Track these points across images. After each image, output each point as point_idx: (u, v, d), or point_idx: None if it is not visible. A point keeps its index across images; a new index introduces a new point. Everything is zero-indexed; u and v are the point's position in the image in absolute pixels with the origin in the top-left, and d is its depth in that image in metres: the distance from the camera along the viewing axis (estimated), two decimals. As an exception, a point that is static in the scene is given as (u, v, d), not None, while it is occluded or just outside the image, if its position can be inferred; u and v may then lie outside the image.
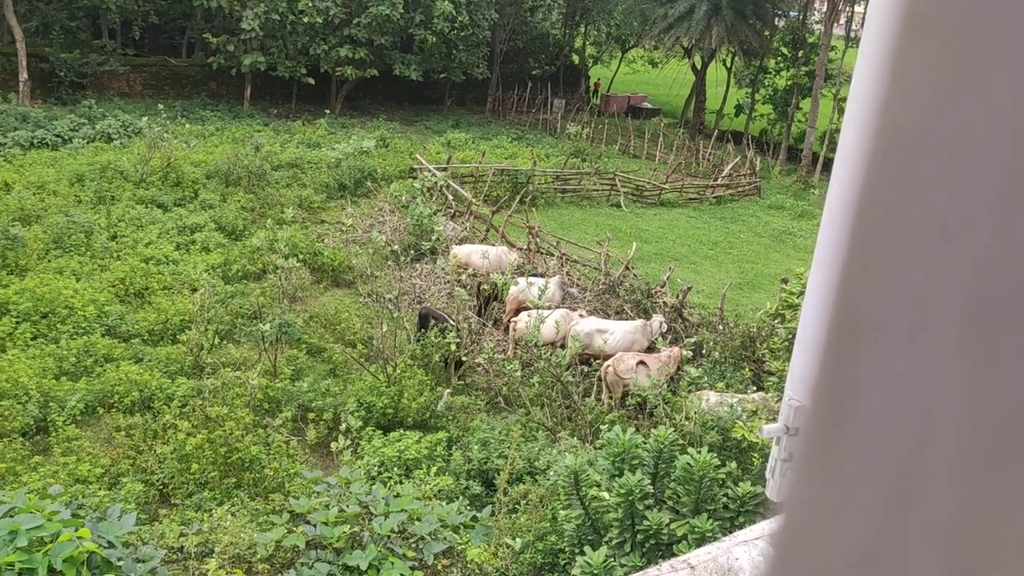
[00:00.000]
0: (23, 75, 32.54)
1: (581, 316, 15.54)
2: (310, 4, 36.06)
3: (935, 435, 0.33)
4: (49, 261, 17.46)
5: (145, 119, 26.66)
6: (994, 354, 0.30)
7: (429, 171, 26.28)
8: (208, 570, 7.32)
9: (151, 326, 15.19)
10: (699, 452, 7.00)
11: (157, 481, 10.68)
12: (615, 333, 14.67)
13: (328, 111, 37.38)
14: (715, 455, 7.16)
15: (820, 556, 0.37)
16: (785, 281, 14.48)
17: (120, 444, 11.27)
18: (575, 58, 53.38)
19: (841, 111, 38.56)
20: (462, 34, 39.19)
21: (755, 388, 12.31)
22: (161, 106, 28.84)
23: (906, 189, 0.33)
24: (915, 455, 0.33)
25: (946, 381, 0.32)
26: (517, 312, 15.94)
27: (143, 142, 25.51)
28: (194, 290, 16.42)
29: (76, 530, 5.93)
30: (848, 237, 0.35)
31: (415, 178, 26.68)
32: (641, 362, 13.35)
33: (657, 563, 5.79)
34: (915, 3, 0.34)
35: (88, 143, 27.96)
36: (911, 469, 0.33)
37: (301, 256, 18.36)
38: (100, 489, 10.08)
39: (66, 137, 28.33)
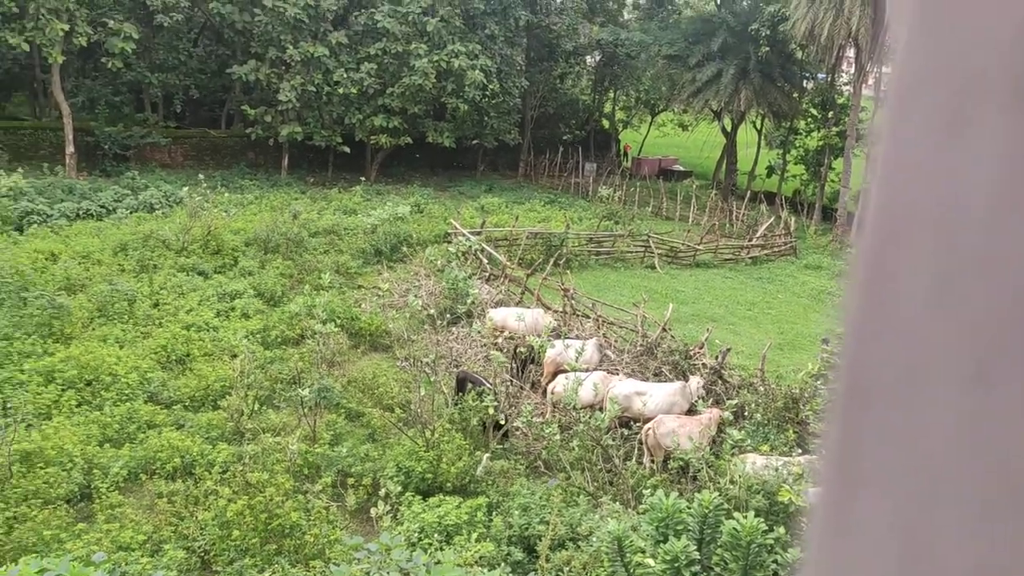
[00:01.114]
0: (69, 148, 33.66)
1: (619, 379, 15.45)
2: (345, 75, 37.07)
3: (941, 495, 0.33)
4: (93, 329, 17.76)
5: (186, 189, 27.31)
6: (993, 414, 0.31)
7: (463, 235, 26.55)
8: (251, 639, 7.25)
9: (192, 392, 15.33)
10: (745, 517, 6.86)
11: (199, 548, 10.65)
12: (654, 396, 14.54)
13: (364, 178, 38.08)
14: (762, 520, 7.00)
15: None
16: (826, 341, 14.33)
17: (162, 511, 11.29)
18: (605, 123, 54.10)
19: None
20: (493, 102, 39.95)
21: (800, 451, 12.09)
22: (201, 176, 29.54)
23: (901, 256, 0.34)
24: (922, 515, 0.33)
25: (948, 442, 0.32)
26: (555, 375, 15.88)
27: (184, 211, 26.10)
28: (234, 356, 16.58)
29: (123, 598, 5.92)
30: (851, 303, 0.36)
31: (450, 242, 26.95)
32: (681, 425, 13.19)
33: (709, 632, 5.63)
34: (904, 76, 0.35)
35: (131, 213, 28.69)
36: (919, 530, 0.33)
37: (339, 321, 18.51)
38: (143, 556, 10.07)
39: (110, 208, 29.09)
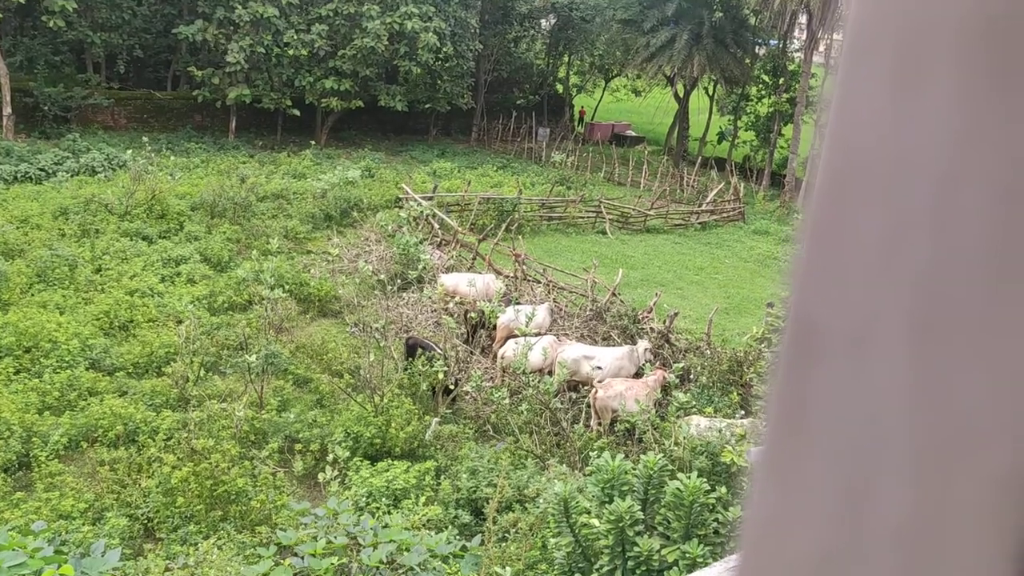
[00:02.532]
0: (7, 109, 32.53)
1: (569, 343, 15.54)
2: (295, 37, 36.30)
3: (884, 442, 0.34)
4: (32, 295, 17.33)
5: (130, 152, 26.67)
6: (937, 362, 0.31)
7: (415, 200, 26.35)
8: (194, 605, 7.22)
9: (136, 359, 15.08)
10: (689, 477, 6.97)
11: (142, 515, 10.54)
12: (602, 359, 14.66)
13: (313, 142, 37.48)
14: (705, 480, 7.12)
15: (779, 562, 0.38)
16: (771, 305, 14.56)
17: (104, 478, 11.14)
18: (559, 87, 53.86)
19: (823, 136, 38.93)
20: (447, 65, 39.47)
21: (743, 412, 12.31)
22: (146, 139, 28.83)
23: (851, 204, 0.35)
24: (866, 462, 0.34)
25: (893, 389, 0.33)
26: (507, 340, 15.92)
27: (128, 175, 25.46)
28: (179, 322, 16.33)
29: (59, 567, 5.82)
30: (801, 249, 0.36)
31: (401, 207, 26.73)
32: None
33: (648, 590, 5.74)
34: (855, 26, 0.35)
35: (72, 176, 27.90)
36: (862, 475, 0.34)
37: (287, 287, 18.31)
38: (84, 524, 9.94)
39: (50, 171, 28.27)
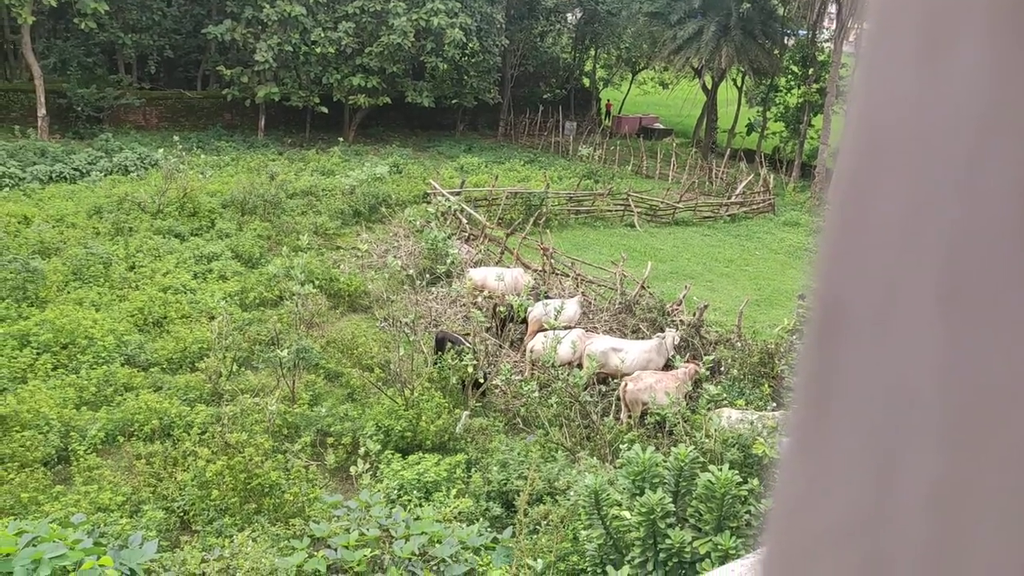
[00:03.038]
0: (41, 111, 33.06)
1: (597, 336, 15.51)
2: (323, 35, 36.50)
3: (912, 413, 0.34)
4: (68, 292, 17.61)
5: (161, 151, 26.95)
6: (966, 330, 0.32)
7: (443, 195, 26.40)
8: (230, 596, 7.31)
9: (170, 355, 15.28)
10: (720, 469, 6.95)
11: (178, 508, 10.69)
12: (630, 352, 14.62)
13: (342, 139, 37.70)
14: (736, 472, 7.10)
15: (809, 532, 0.38)
16: (803, 297, 14.41)
17: (141, 472, 11.30)
18: (586, 81, 53.69)
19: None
20: (473, 60, 39.50)
21: (775, 404, 12.22)
22: (176, 138, 29.13)
23: (878, 177, 0.35)
24: (895, 433, 0.35)
25: (921, 358, 0.33)
26: (536, 334, 15.93)
27: (159, 174, 25.79)
28: (212, 318, 16.51)
29: (98, 558, 5.93)
30: (827, 226, 0.37)
31: (429, 203, 26.79)
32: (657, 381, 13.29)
33: (681, 581, 5.73)
34: (882, 8, 0.35)
35: (105, 176, 28.31)
36: (892, 445, 0.35)
37: (317, 282, 18.45)
38: (122, 517, 10.11)
39: (84, 170, 28.69)
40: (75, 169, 28.62)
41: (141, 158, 30.58)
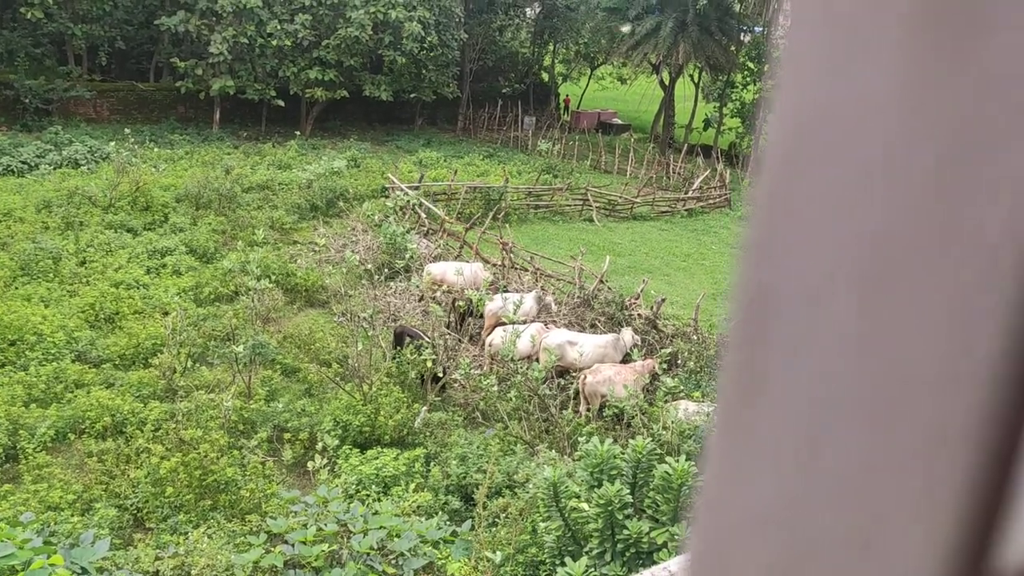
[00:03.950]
0: (-12, 102, 32.24)
1: (552, 329, 15.58)
2: (279, 27, 36.07)
3: (837, 396, 0.35)
4: (16, 288, 17.22)
5: (113, 144, 26.48)
6: (887, 318, 0.33)
7: (401, 190, 26.29)
8: (185, 593, 7.22)
9: (122, 351, 15.02)
10: (677, 461, 7.02)
11: (131, 506, 10.53)
12: (585, 346, 14.70)
13: (299, 133, 37.32)
14: (693, 463, 7.17)
15: (735, 516, 0.39)
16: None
17: (92, 470, 11.11)
18: (544, 76, 53.77)
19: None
20: (431, 54, 39.33)
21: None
22: (128, 131, 28.61)
23: (801, 172, 0.36)
24: (820, 416, 0.36)
25: (845, 345, 0.35)
26: (495, 328, 15.94)
27: (111, 167, 25.29)
28: (165, 314, 16.27)
29: (49, 557, 5.82)
30: (754, 218, 0.38)
31: (387, 197, 26.67)
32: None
33: (638, 571, 5.79)
34: (802, 12, 0.37)
35: (55, 169, 27.68)
36: (817, 429, 0.36)
37: (274, 277, 18.26)
38: (73, 515, 9.92)
39: (32, 164, 28.03)
40: (23, 162, 27.96)
41: (92, 151, 29.94)
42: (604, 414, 12.85)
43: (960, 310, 0.32)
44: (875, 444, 0.34)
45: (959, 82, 0.30)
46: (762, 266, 0.37)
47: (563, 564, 6.53)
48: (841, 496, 0.35)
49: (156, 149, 30.80)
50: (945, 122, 0.31)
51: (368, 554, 7.25)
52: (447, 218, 24.69)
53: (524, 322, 14.96)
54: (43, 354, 14.34)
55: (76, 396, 13.15)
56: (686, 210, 32.31)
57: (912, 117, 0.32)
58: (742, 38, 45.27)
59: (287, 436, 12.34)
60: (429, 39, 38.28)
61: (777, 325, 0.37)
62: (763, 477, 0.38)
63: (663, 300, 17.59)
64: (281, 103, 38.05)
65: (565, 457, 10.69)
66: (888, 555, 0.34)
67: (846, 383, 0.35)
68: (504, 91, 48.80)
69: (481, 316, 16.52)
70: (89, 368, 14.31)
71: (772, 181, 0.37)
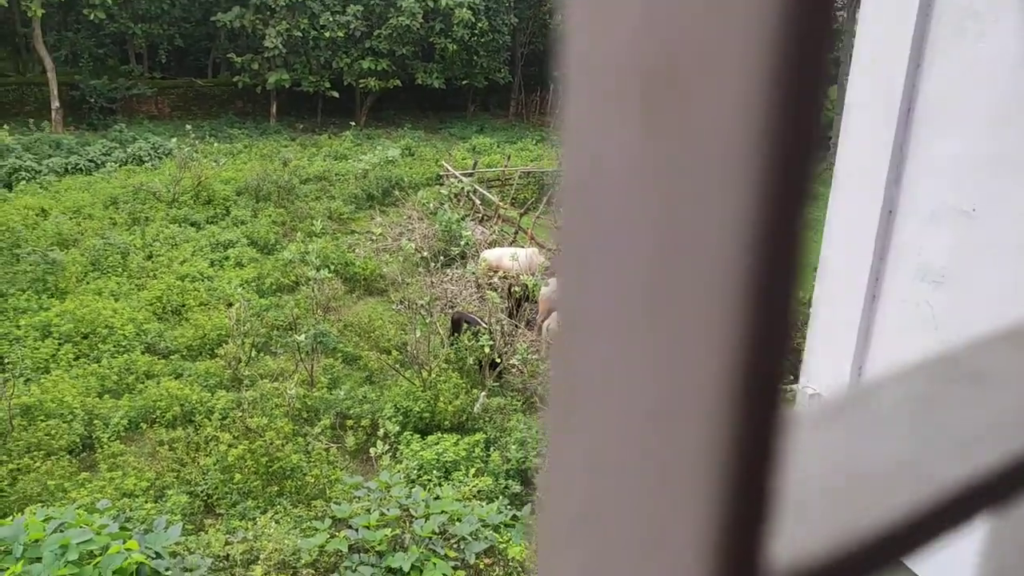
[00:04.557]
0: (55, 103, 33.23)
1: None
2: (331, 19, 36.40)
3: (623, 406, 0.39)
4: (88, 283, 17.77)
5: (174, 140, 27.05)
6: (665, 334, 0.36)
7: (455, 177, 26.38)
8: (254, 576, 7.42)
9: (189, 342, 15.42)
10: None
11: (201, 492, 10.83)
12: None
13: (353, 123, 37.67)
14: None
15: (555, 526, 0.44)
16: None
17: (164, 458, 11.45)
18: (596, 58, 53.35)
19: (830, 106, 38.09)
20: (482, 40, 39.30)
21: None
22: (189, 126, 29.22)
23: (581, 213, 0.40)
24: (612, 421, 0.40)
25: (631, 359, 0.38)
26: (550, 312, 15.94)
27: (173, 163, 25.87)
28: (229, 305, 16.63)
29: (124, 542, 6.04)
30: (559, 247, 0.42)
31: (442, 185, 26.78)
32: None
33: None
34: (571, 52, 0.42)
35: (120, 166, 28.42)
36: (609, 435, 0.40)
37: (333, 267, 18.53)
38: (146, 502, 10.25)
39: (99, 162, 28.82)
40: (90, 160, 28.77)
41: (155, 147, 30.68)
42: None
43: (676, 358, 0.36)
44: (657, 443, 0.37)
45: (673, 138, 0.35)
46: (566, 296, 0.42)
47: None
48: (629, 502, 0.39)
49: (216, 144, 31.38)
50: (664, 177, 0.35)
51: (430, 538, 7.36)
52: (501, 204, 24.71)
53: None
54: (114, 346, 14.81)
55: (147, 387, 13.55)
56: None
57: (643, 174, 0.36)
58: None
59: (349, 423, 12.55)
60: (479, 25, 38.25)
61: (579, 344, 0.41)
62: (575, 482, 0.42)
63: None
64: (335, 94, 38.44)
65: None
66: (672, 554, 0.37)
67: (628, 394, 0.38)
68: (556, 75, 48.47)
69: (536, 301, 16.53)
70: (158, 359, 14.72)
71: (566, 218, 0.41)
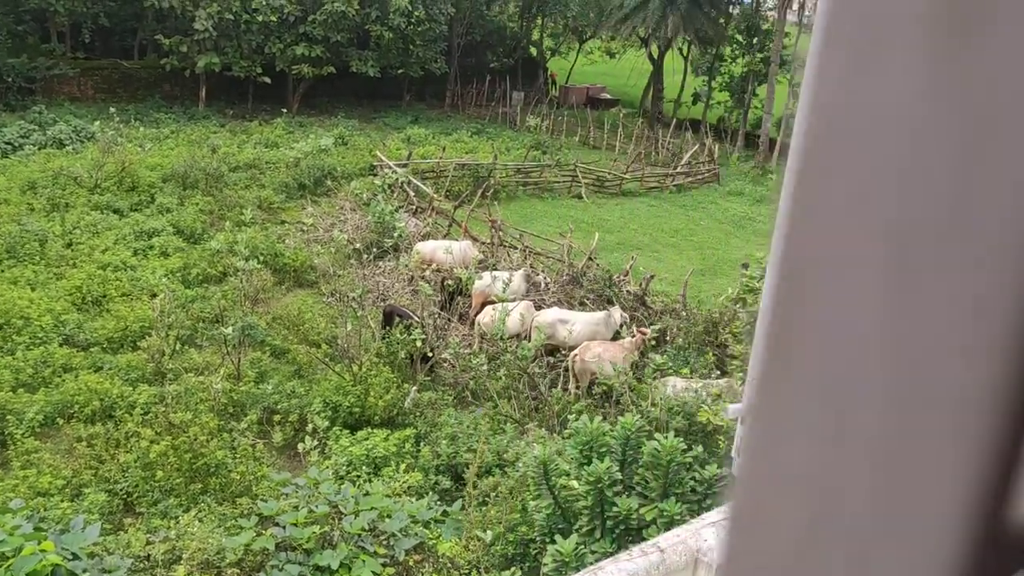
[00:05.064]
0: (-31, 82, 31.85)
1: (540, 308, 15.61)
2: (264, 2, 35.65)
3: (863, 371, 0.39)
4: (2, 271, 17.11)
5: (97, 123, 26.23)
6: (908, 303, 0.36)
7: (389, 168, 26.15)
8: (176, 577, 7.24)
9: (110, 334, 14.96)
10: (666, 437, 7.06)
11: (121, 490, 10.54)
12: (577, 324, 14.73)
13: (285, 110, 37.02)
14: (681, 440, 7.22)
15: (770, 479, 0.43)
16: (745, 266, 14.63)
17: (82, 455, 11.10)
18: (533, 51, 53.37)
19: (796, 96, 39.00)
20: (419, 29, 38.98)
21: (719, 373, 12.44)
22: (113, 109, 28.35)
23: (827, 161, 0.39)
24: (848, 388, 0.39)
25: (870, 323, 0.38)
26: (483, 306, 15.94)
27: (96, 147, 25.06)
28: (154, 296, 16.20)
29: (39, 543, 5.83)
30: (784, 203, 0.41)
31: (375, 175, 26.53)
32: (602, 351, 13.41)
33: (628, 548, 5.83)
34: (830, 12, 0.39)
35: (39, 149, 27.38)
36: (845, 401, 0.40)
37: (262, 257, 18.19)
38: (62, 501, 9.93)
39: (16, 144, 27.73)
40: (6, 143, 27.66)
41: (76, 131, 29.64)
42: (593, 392, 12.89)
43: (972, 290, 0.35)
44: (899, 410, 0.37)
45: (971, 79, 0.33)
46: (793, 250, 0.40)
47: (553, 542, 6.57)
48: (868, 458, 0.39)
49: (142, 128, 30.52)
50: (962, 118, 0.34)
51: (359, 535, 7.28)
52: (436, 196, 24.60)
53: (513, 300, 14.97)
54: (30, 338, 14.28)
55: (64, 380, 13.12)
56: (675, 186, 32.26)
57: (931, 112, 0.35)
58: (731, 10, 45.01)
59: (277, 418, 12.35)
60: (416, 13, 37.93)
61: (806, 303, 0.40)
62: (797, 439, 0.41)
63: (652, 277, 17.61)
64: (267, 80, 37.70)
65: (555, 435, 10.74)
66: (913, 514, 0.37)
67: (872, 354, 0.38)
68: (492, 66, 48.44)
69: (470, 295, 16.52)
70: (77, 352, 14.26)
71: (801, 167, 0.39)
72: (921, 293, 0.36)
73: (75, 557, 6.13)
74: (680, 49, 46.33)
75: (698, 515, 6.44)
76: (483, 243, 20.48)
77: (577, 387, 13.48)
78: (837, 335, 0.39)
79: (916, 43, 0.35)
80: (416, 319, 14.39)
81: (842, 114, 0.38)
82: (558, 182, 30.30)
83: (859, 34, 0.38)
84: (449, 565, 7.63)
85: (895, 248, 0.37)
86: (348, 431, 11.98)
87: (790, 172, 0.41)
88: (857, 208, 0.38)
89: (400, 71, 40.86)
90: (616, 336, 14.37)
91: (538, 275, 18.06)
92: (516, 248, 20.41)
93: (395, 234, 20.55)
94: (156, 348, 13.86)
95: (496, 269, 17.81)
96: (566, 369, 13.89)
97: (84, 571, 6.01)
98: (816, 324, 0.40)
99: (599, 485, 6.90)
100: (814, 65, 0.39)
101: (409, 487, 9.66)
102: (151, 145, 28.08)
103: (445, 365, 14.68)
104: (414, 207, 24.33)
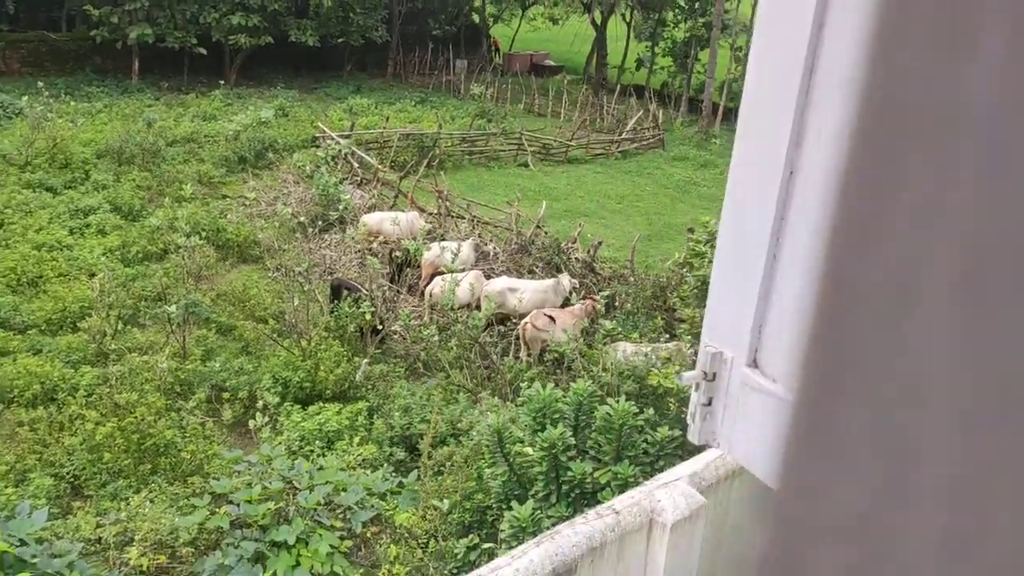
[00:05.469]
0: None
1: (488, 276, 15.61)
2: (196, -29, 34.64)
3: (929, 400, 0.34)
4: (-70, 254, 16.51)
5: (25, 98, 25.30)
6: (983, 321, 0.32)
7: (332, 139, 25.77)
8: (130, 558, 7.14)
9: (48, 315, 14.56)
10: (617, 402, 7.13)
11: (68, 474, 10.32)
12: (526, 292, 14.77)
13: (223, 82, 36.14)
14: (633, 403, 7.29)
15: (815, 522, 0.38)
16: (691, 230, 14.80)
17: (24, 439, 10.83)
18: (475, 17, 52.84)
19: (738, 60, 39.30)
20: (358, -4, 38.31)
21: (668, 336, 12.59)
22: (41, 84, 27.33)
23: (895, 163, 0.34)
24: (909, 422, 0.35)
25: (937, 347, 0.33)
26: (432, 277, 15.88)
27: (25, 123, 24.20)
28: (92, 275, 15.79)
29: (-17, 531, 5.68)
30: (836, 208, 0.36)
31: (318, 147, 26.13)
32: (552, 318, 13.48)
33: (583, 512, 5.90)
34: None
35: (-36, 127, 26.38)
36: (905, 436, 0.35)
37: (204, 233, 17.83)
38: (6, 487, 9.69)
39: (-61, 121, 26.66)
40: (-72, 120, 26.58)
41: (3, 106, 28.55)
42: (545, 359, 12.96)
43: None
44: (974, 445, 0.32)
45: None
46: (846, 258, 0.36)
47: (509, 508, 6.62)
48: (937, 504, 0.34)
49: (73, 103, 29.54)
50: None
51: (315, 510, 7.26)
52: (380, 167, 24.32)
53: (462, 270, 14.93)
54: (-37, 322, 13.84)
55: (2, 364, 12.75)
56: (620, 152, 32.39)
57: (1016, 115, 0.30)
58: (672, -25, 45.06)
59: (226, 396, 12.19)
60: (355, -20, 37.23)
61: (861, 325, 0.35)
62: (848, 484, 0.36)
63: (600, 243, 17.71)
64: (203, 51, 36.69)
65: (508, 403, 10.79)
66: (984, 559, 0.33)
67: (940, 385, 0.33)
68: (434, 34, 47.83)
69: (419, 266, 16.43)
70: (14, 335, 13.86)
71: (858, 168, 0.35)
72: (998, 317, 0.31)
73: (22, 543, 5.99)
74: (623, 15, 46.29)
75: (651, 477, 6.54)
76: (430, 214, 20.35)
77: (528, 355, 13.54)
78: (898, 361, 0.34)
79: (999, 40, 0.31)
80: (365, 292, 14.27)
81: (914, 109, 0.33)
82: (504, 151, 30.18)
83: (935, 23, 0.33)
84: (407, 535, 7.65)
85: (968, 263, 0.32)
86: (299, 406, 11.88)
87: (847, 175, 0.35)
88: (924, 219, 0.33)
89: (340, 40, 40.13)
90: (566, 303, 14.45)
91: (487, 244, 18.03)
92: (464, 218, 20.33)
93: (340, 206, 20.30)
94: (97, 329, 13.54)
95: (444, 239, 17.73)
96: (517, 337, 13.93)
97: (33, 557, 5.88)
98: (876, 346, 0.35)
99: (553, 451, 6.95)
100: (879, 50, 0.34)
101: (363, 460, 9.65)
102: (83, 120, 27.20)
103: (396, 337, 14.62)
104: (359, 179, 24.04)
